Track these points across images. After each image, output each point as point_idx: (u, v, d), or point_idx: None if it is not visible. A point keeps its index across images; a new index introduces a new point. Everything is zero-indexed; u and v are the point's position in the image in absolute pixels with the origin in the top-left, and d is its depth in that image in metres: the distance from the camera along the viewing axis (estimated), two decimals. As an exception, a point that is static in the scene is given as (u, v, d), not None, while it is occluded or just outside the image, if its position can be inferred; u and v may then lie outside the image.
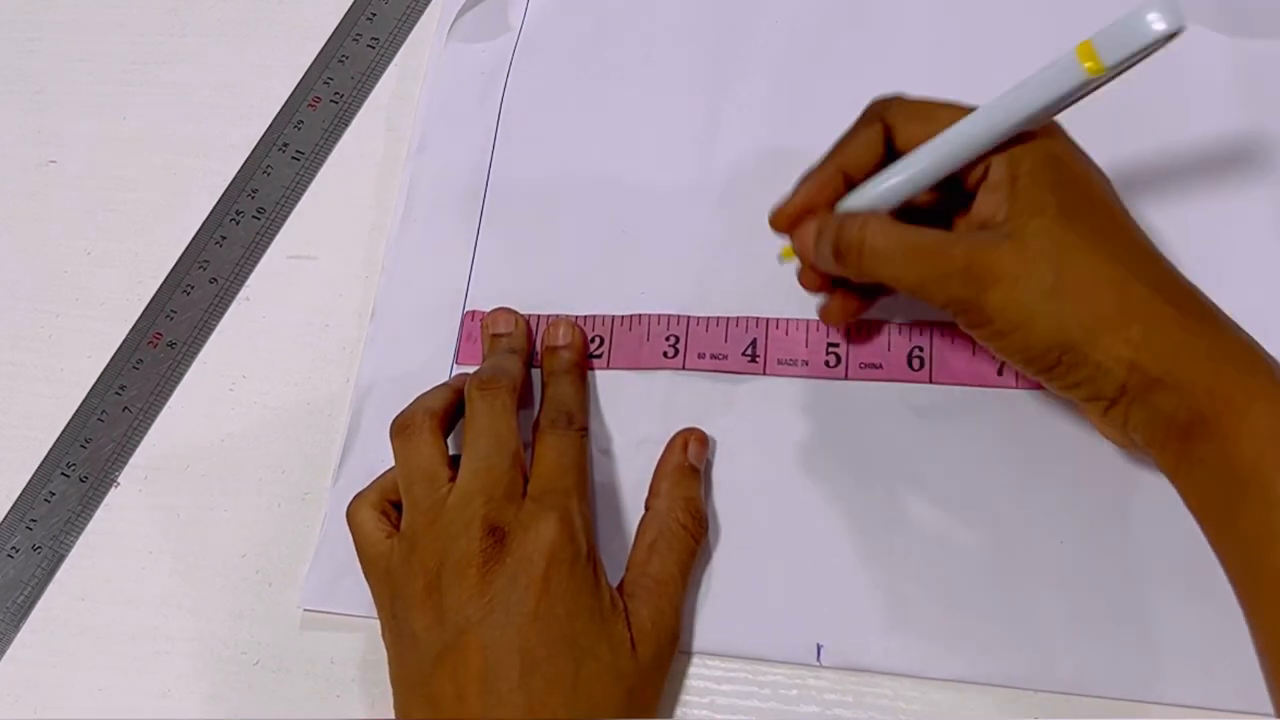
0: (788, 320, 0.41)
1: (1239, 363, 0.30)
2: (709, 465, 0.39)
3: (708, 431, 0.39)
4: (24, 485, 0.44)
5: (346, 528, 0.38)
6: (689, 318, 0.41)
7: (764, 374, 0.40)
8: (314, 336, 0.45)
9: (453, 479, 0.35)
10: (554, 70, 0.47)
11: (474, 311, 0.43)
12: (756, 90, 0.45)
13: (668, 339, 0.41)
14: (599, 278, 0.43)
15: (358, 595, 0.38)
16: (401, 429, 0.37)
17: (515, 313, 0.42)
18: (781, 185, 0.37)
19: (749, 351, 0.40)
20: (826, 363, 0.40)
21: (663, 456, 0.39)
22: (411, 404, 0.38)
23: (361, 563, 0.37)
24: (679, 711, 0.37)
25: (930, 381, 0.39)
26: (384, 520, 0.37)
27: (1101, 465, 0.37)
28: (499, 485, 0.35)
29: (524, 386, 0.39)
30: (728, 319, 0.41)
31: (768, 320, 0.41)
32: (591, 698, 0.33)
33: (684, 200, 0.44)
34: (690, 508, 0.37)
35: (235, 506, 0.42)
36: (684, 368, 0.41)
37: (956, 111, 0.33)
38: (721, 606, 0.37)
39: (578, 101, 0.46)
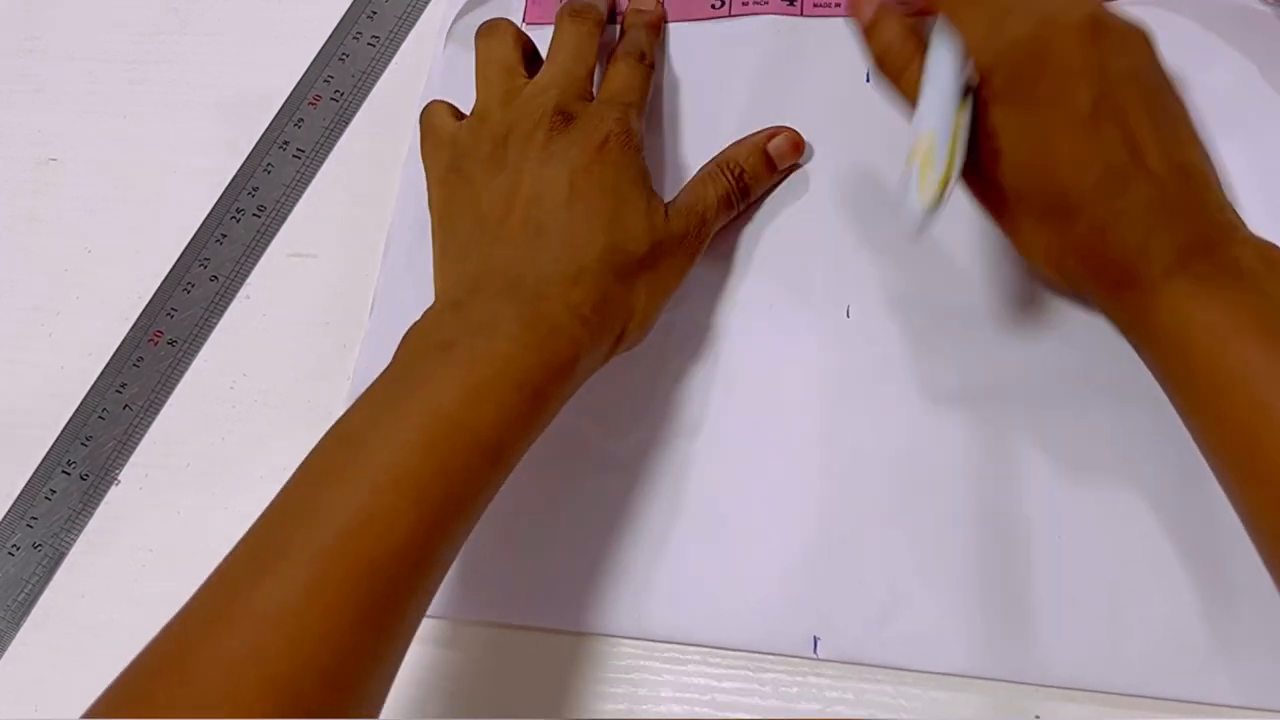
0: None
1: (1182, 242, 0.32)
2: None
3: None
4: (25, 483, 0.44)
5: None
6: None
7: (801, 15, 0.44)
8: (314, 335, 0.45)
9: (527, 79, 0.40)
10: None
11: None
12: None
13: None
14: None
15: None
16: (487, 29, 0.42)
17: None
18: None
19: None
20: None
21: (749, 135, 0.42)
22: None
23: (425, 141, 0.41)
24: (680, 709, 0.37)
25: None
26: (455, 116, 0.41)
27: (1099, 461, 0.37)
28: (573, 87, 0.39)
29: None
30: None
31: None
32: (625, 231, 0.36)
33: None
34: (743, 179, 0.40)
35: (235, 505, 0.42)
36: (730, 14, 0.45)
37: None
38: (717, 598, 0.37)
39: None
